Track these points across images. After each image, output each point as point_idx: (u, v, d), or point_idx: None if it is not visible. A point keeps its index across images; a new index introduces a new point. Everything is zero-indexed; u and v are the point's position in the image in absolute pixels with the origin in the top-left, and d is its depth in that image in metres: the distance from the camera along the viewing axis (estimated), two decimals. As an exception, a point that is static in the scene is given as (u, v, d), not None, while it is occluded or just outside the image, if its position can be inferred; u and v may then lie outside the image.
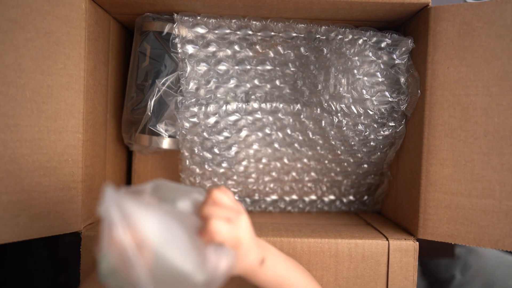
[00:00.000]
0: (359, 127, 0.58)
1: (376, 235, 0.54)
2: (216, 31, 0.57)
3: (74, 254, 0.83)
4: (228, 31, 0.58)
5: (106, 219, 0.28)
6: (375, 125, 0.58)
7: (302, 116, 0.62)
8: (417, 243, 0.52)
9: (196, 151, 0.61)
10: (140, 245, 0.29)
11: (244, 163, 0.64)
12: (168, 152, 0.70)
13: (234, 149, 0.63)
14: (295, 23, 0.57)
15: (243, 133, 0.63)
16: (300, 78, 0.61)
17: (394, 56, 0.56)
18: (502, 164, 0.48)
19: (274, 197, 0.68)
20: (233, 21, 0.57)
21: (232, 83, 0.60)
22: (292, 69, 0.61)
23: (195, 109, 0.59)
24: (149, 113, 0.58)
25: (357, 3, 0.52)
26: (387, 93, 0.56)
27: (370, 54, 0.56)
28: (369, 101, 0.56)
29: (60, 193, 0.49)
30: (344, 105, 0.57)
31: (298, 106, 0.62)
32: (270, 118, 0.63)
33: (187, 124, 0.59)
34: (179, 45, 0.56)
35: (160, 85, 0.57)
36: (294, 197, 0.69)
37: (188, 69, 0.57)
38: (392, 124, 0.58)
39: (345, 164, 0.65)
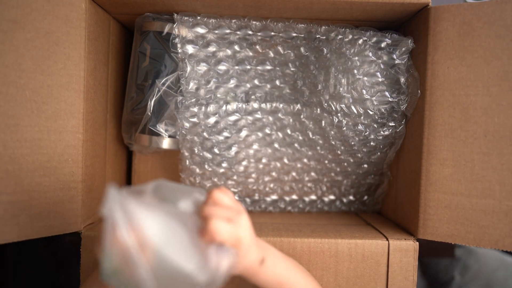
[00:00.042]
0: (359, 127, 0.58)
1: (376, 235, 0.54)
2: (216, 31, 0.57)
3: (74, 254, 0.83)
4: (228, 31, 0.58)
5: (109, 219, 0.28)
6: (375, 125, 0.58)
7: (302, 116, 0.62)
8: (417, 243, 0.52)
9: (196, 151, 0.61)
10: (142, 245, 0.29)
11: (244, 163, 0.64)
12: (168, 152, 0.70)
13: (234, 149, 0.63)
14: (295, 23, 0.57)
15: (243, 133, 0.63)
16: (300, 78, 0.61)
17: (394, 56, 0.56)
18: (502, 164, 0.48)
19: (274, 197, 0.68)
20: (233, 21, 0.57)
21: (232, 83, 0.60)
22: (292, 69, 0.61)
23: (195, 109, 0.59)
24: (149, 113, 0.58)
25: (357, 3, 0.52)
26: (387, 93, 0.56)
27: (370, 54, 0.56)
28: (369, 101, 0.56)
29: (60, 193, 0.49)
30: (344, 105, 0.57)
31: (298, 106, 0.62)
32: (270, 118, 0.63)
33: (187, 124, 0.59)
34: (179, 45, 0.56)
35: (160, 85, 0.57)
36: (294, 197, 0.69)
37: (188, 69, 0.57)
38: (392, 124, 0.58)
39: (345, 164, 0.65)
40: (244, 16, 0.58)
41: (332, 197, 0.69)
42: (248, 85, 0.61)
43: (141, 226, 0.29)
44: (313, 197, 0.69)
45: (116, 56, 0.64)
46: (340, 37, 0.57)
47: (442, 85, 0.52)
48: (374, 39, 0.56)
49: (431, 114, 0.53)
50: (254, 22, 0.57)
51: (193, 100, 0.58)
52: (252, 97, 0.62)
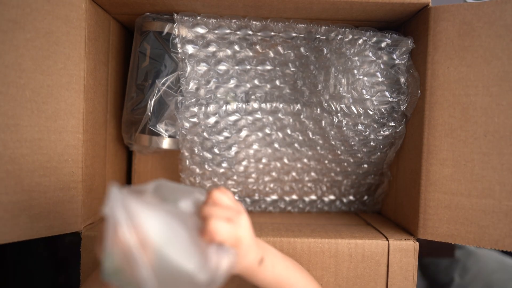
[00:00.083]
0: (359, 127, 0.58)
1: (376, 235, 0.54)
2: (216, 31, 0.57)
3: (74, 254, 0.83)
4: (228, 31, 0.58)
5: (111, 218, 0.28)
6: (375, 125, 0.58)
7: (302, 116, 0.62)
8: (417, 243, 0.52)
9: (196, 151, 0.61)
10: (143, 245, 0.29)
11: (244, 163, 0.64)
12: (168, 152, 0.70)
13: (234, 149, 0.63)
14: (295, 23, 0.57)
15: (243, 133, 0.63)
16: (300, 78, 0.61)
17: (394, 56, 0.56)
18: (502, 164, 0.48)
19: (274, 197, 0.68)
20: (233, 21, 0.57)
21: (232, 83, 0.60)
22: (292, 69, 0.61)
23: (195, 109, 0.59)
24: (149, 113, 0.58)
25: (357, 3, 0.52)
26: (387, 93, 0.56)
27: (370, 54, 0.56)
28: (369, 101, 0.56)
29: (60, 193, 0.49)
30: (344, 105, 0.57)
31: (298, 106, 0.62)
32: (270, 118, 0.63)
33: (187, 124, 0.59)
34: (179, 45, 0.56)
35: (160, 85, 0.57)
36: (294, 197, 0.69)
37: (188, 69, 0.57)
38: (392, 124, 0.58)
39: (345, 164, 0.65)
40: (244, 16, 0.58)
41: (332, 197, 0.69)
42: (248, 85, 0.61)
43: (142, 226, 0.29)
44: (313, 197, 0.69)
45: (116, 56, 0.64)
46: (340, 37, 0.57)
47: (442, 85, 0.52)
48: (374, 39, 0.56)
49: (431, 114, 0.53)
50: (254, 22, 0.57)
51: (193, 100, 0.58)
52: (252, 97, 0.62)
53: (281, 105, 0.62)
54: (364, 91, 0.56)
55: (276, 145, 0.64)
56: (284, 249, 0.52)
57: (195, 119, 0.59)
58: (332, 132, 0.61)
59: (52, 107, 0.47)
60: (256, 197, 0.68)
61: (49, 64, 0.47)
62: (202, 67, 0.58)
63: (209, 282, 0.32)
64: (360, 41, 0.56)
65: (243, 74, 0.61)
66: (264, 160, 0.65)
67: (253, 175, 0.66)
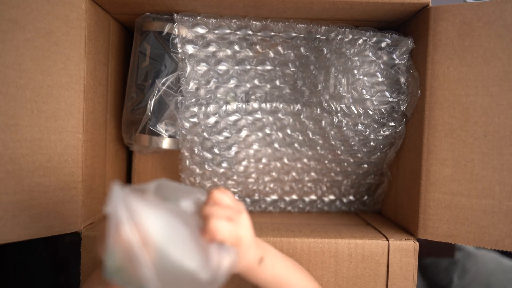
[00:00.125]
0: (359, 127, 0.58)
1: (376, 235, 0.54)
2: (216, 31, 0.57)
3: (74, 254, 0.83)
4: (228, 31, 0.58)
5: (113, 216, 0.28)
6: (375, 125, 0.58)
7: (302, 116, 0.62)
8: (417, 243, 0.52)
9: (196, 151, 0.61)
10: (145, 243, 0.29)
11: (244, 163, 0.64)
12: (168, 152, 0.70)
13: (234, 149, 0.63)
14: (295, 23, 0.57)
15: (243, 133, 0.63)
16: (300, 78, 0.61)
17: (394, 56, 0.56)
18: (502, 164, 0.48)
19: (274, 197, 0.68)
20: (233, 21, 0.57)
21: (232, 83, 0.60)
22: (292, 69, 0.61)
23: (195, 109, 0.59)
24: (149, 113, 0.58)
25: (357, 3, 0.52)
26: (387, 93, 0.56)
27: (370, 54, 0.56)
28: (369, 101, 0.56)
29: (60, 193, 0.49)
30: (344, 105, 0.57)
31: (298, 106, 0.62)
32: (270, 118, 0.63)
33: (187, 124, 0.59)
34: (179, 45, 0.56)
35: (160, 85, 0.57)
36: (294, 197, 0.69)
37: (188, 69, 0.57)
38: (392, 124, 0.58)
39: (345, 164, 0.65)
40: (244, 16, 0.58)
41: (332, 197, 0.69)
42: (248, 85, 0.61)
43: (144, 224, 0.29)
44: (313, 197, 0.69)
45: (116, 56, 0.64)
46: (340, 37, 0.57)
47: (442, 85, 0.52)
48: (374, 39, 0.56)
49: (431, 114, 0.53)
50: (254, 22, 0.57)
51: (193, 100, 0.58)
52: (252, 97, 0.62)
53: (281, 105, 0.62)
54: (364, 91, 0.56)
55: (276, 145, 0.64)
56: (284, 249, 0.52)
57: (195, 119, 0.59)
58: (332, 132, 0.61)
59: (52, 107, 0.47)
60: (256, 197, 0.68)
61: (49, 64, 0.47)
62: (202, 67, 0.58)
63: (210, 280, 0.32)
64: (360, 41, 0.56)
65: (243, 74, 0.61)
66: (264, 160, 0.65)
67: (253, 175, 0.66)
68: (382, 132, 0.58)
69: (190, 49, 0.57)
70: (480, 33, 0.49)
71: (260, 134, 0.63)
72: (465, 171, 0.50)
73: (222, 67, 0.59)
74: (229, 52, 0.59)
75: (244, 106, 0.61)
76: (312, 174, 0.67)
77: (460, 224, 0.51)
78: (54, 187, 0.48)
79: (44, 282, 0.84)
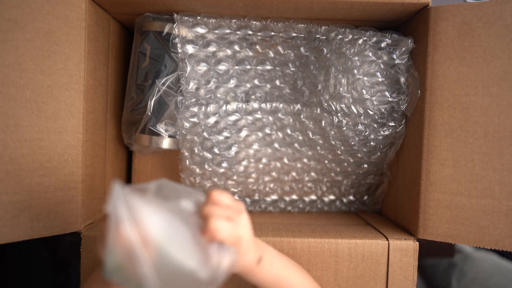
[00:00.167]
0: (359, 127, 0.58)
1: (376, 235, 0.54)
2: (216, 31, 0.57)
3: (74, 254, 0.83)
4: (228, 31, 0.58)
5: (113, 215, 0.28)
6: (375, 125, 0.58)
7: (302, 116, 0.62)
8: (417, 243, 0.52)
9: (196, 151, 0.61)
10: (145, 242, 0.29)
11: (244, 163, 0.64)
12: (168, 152, 0.70)
13: (234, 149, 0.63)
14: (295, 23, 0.57)
15: (243, 133, 0.63)
16: (300, 78, 0.61)
17: (394, 56, 0.56)
18: (502, 164, 0.48)
19: (274, 197, 0.68)
20: (233, 21, 0.57)
21: (232, 83, 0.60)
22: (292, 69, 0.61)
23: (195, 109, 0.59)
24: (149, 113, 0.58)
25: (357, 3, 0.52)
26: (387, 93, 0.56)
27: (370, 54, 0.56)
28: (369, 101, 0.56)
29: (60, 193, 0.49)
30: (344, 105, 0.57)
31: (298, 106, 0.62)
32: (270, 118, 0.63)
33: (187, 124, 0.59)
34: (179, 45, 0.56)
35: (160, 85, 0.57)
36: (294, 197, 0.69)
37: (188, 69, 0.57)
38: (392, 124, 0.58)
39: (345, 164, 0.65)
40: (244, 16, 0.58)
41: (332, 197, 0.69)
42: (248, 85, 0.61)
43: (144, 223, 0.29)
44: (313, 197, 0.69)
45: (116, 56, 0.64)
46: (340, 37, 0.57)
47: (442, 85, 0.52)
48: (374, 39, 0.56)
49: (431, 114, 0.53)
50: (254, 22, 0.57)
51: (193, 100, 0.58)
52: (252, 97, 0.62)
53: (281, 105, 0.62)
54: (364, 91, 0.56)
55: (276, 145, 0.64)
56: (284, 249, 0.52)
57: (195, 119, 0.59)
58: (332, 132, 0.61)
59: (52, 107, 0.47)
60: (256, 197, 0.68)
61: (49, 64, 0.47)
62: (202, 67, 0.58)
63: (210, 280, 0.32)
64: (360, 41, 0.56)
65: (243, 74, 0.61)
66: (264, 160, 0.65)
67: (253, 175, 0.66)
68: (382, 132, 0.58)
69: (190, 49, 0.57)
70: (480, 33, 0.49)
71: (260, 134, 0.63)
72: (465, 171, 0.50)
73: (222, 67, 0.59)
74: (229, 52, 0.59)
75: (244, 106, 0.61)
76: (312, 174, 0.67)
77: (460, 224, 0.51)
78: (54, 187, 0.48)
79: (44, 282, 0.84)
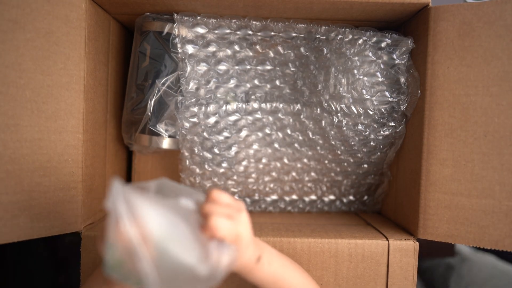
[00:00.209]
0: (359, 127, 0.58)
1: (376, 235, 0.54)
2: (216, 31, 0.57)
3: (74, 254, 0.83)
4: (228, 31, 0.58)
5: (113, 211, 0.28)
6: (375, 125, 0.58)
7: (302, 116, 0.62)
8: (417, 243, 0.52)
9: (196, 151, 0.61)
10: (144, 238, 0.29)
11: (244, 163, 0.64)
12: (168, 152, 0.70)
13: (234, 149, 0.63)
14: (295, 23, 0.57)
15: (243, 133, 0.63)
16: (300, 78, 0.61)
17: (394, 56, 0.56)
18: (502, 164, 0.48)
19: (274, 197, 0.68)
20: (233, 21, 0.57)
21: (232, 83, 0.60)
22: (292, 69, 0.61)
23: (195, 109, 0.59)
24: (149, 113, 0.58)
25: (357, 3, 0.52)
26: (387, 93, 0.56)
27: (370, 54, 0.56)
28: (369, 101, 0.56)
29: (60, 193, 0.49)
30: (344, 105, 0.57)
31: (298, 106, 0.62)
32: (270, 118, 0.63)
33: (187, 124, 0.59)
34: (179, 45, 0.56)
35: (160, 85, 0.57)
36: (294, 197, 0.69)
37: (188, 69, 0.57)
38: (392, 124, 0.58)
39: (345, 164, 0.65)
40: (244, 16, 0.58)
41: (332, 197, 0.69)
42: (248, 85, 0.61)
43: (144, 219, 0.29)
44: (313, 197, 0.69)
45: (116, 56, 0.64)
46: (340, 37, 0.57)
47: (442, 85, 0.52)
48: (374, 39, 0.56)
49: (431, 114, 0.53)
50: (254, 22, 0.57)
51: (193, 100, 0.58)
52: (252, 97, 0.62)
53: (281, 105, 0.62)
54: (364, 91, 0.56)
55: (276, 145, 0.64)
56: (284, 249, 0.52)
57: (195, 119, 0.59)
58: (332, 132, 0.61)
59: (52, 107, 0.47)
60: (256, 197, 0.68)
61: (49, 64, 0.47)
62: (202, 67, 0.58)
63: (209, 276, 0.32)
64: (360, 41, 0.56)
65: (243, 74, 0.61)
66: (264, 160, 0.65)
67: (253, 175, 0.66)
68: (382, 132, 0.58)
69: (190, 49, 0.57)
70: (480, 33, 0.49)
71: (260, 134, 0.63)
72: (465, 171, 0.50)
73: (222, 67, 0.59)
74: (229, 52, 0.59)
75: (244, 106, 0.61)
76: (312, 174, 0.67)
77: (460, 224, 0.51)
78: (54, 187, 0.48)
79: (44, 282, 0.84)
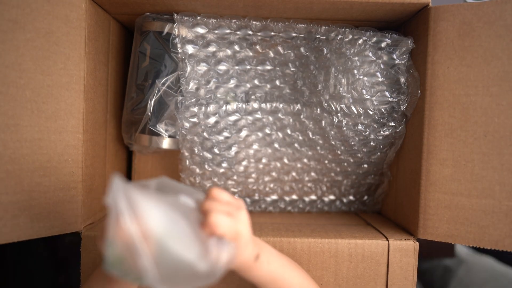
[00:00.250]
0: (359, 127, 0.58)
1: (376, 235, 0.54)
2: (216, 31, 0.57)
3: (74, 254, 0.83)
4: (228, 31, 0.58)
5: (113, 208, 0.28)
6: (375, 125, 0.58)
7: (302, 116, 0.62)
8: (417, 243, 0.52)
9: (196, 151, 0.61)
10: (145, 234, 0.29)
11: (244, 163, 0.64)
12: (168, 152, 0.70)
13: (234, 149, 0.63)
14: (295, 23, 0.57)
15: (243, 133, 0.63)
16: (300, 78, 0.61)
17: (394, 56, 0.56)
18: (502, 164, 0.48)
19: (274, 197, 0.68)
20: (233, 21, 0.57)
21: (232, 83, 0.60)
22: (292, 69, 0.61)
23: (195, 109, 0.59)
24: (149, 113, 0.58)
25: (357, 3, 0.52)
26: (387, 93, 0.56)
27: (370, 54, 0.56)
28: (369, 101, 0.56)
29: (60, 193, 0.49)
30: (344, 105, 0.57)
31: (298, 106, 0.62)
32: (270, 118, 0.63)
33: (187, 124, 0.59)
34: (179, 45, 0.56)
35: (160, 85, 0.57)
36: (294, 197, 0.69)
37: (188, 69, 0.57)
38: (392, 124, 0.58)
39: (345, 164, 0.65)
40: (244, 16, 0.58)
41: (332, 197, 0.69)
42: (248, 85, 0.61)
43: (145, 216, 0.29)
44: (313, 197, 0.69)
45: (116, 56, 0.64)
46: (340, 37, 0.57)
47: (442, 85, 0.52)
48: (374, 39, 0.56)
49: (431, 114, 0.53)
50: (254, 22, 0.57)
51: (193, 100, 0.58)
52: (252, 97, 0.62)
53: (281, 105, 0.62)
54: (364, 91, 0.56)
55: (276, 145, 0.64)
56: (284, 249, 0.52)
57: (195, 119, 0.59)
58: (332, 132, 0.61)
59: (52, 107, 0.47)
60: (256, 197, 0.68)
61: (49, 64, 0.47)
62: (202, 67, 0.58)
63: (209, 273, 0.32)
64: (360, 41, 0.56)
65: (243, 74, 0.61)
66: (264, 160, 0.65)
67: (253, 175, 0.66)
68: (382, 132, 0.58)
69: (190, 49, 0.57)
70: (480, 33, 0.49)
71: (260, 134, 0.63)
72: (465, 171, 0.50)
73: (222, 67, 0.59)
74: (229, 52, 0.59)
75: (244, 106, 0.61)
76: (312, 174, 0.67)
77: (460, 224, 0.51)
78: (54, 187, 0.48)
79: (44, 282, 0.84)
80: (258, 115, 0.62)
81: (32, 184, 0.46)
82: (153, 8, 0.57)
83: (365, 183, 0.68)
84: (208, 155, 0.62)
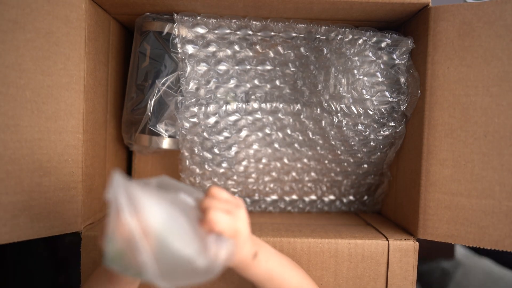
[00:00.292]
0: (359, 127, 0.58)
1: (376, 235, 0.54)
2: (216, 31, 0.57)
3: (74, 254, 0.83)
4: (228, 31, 0.58)
5: (114, 203, 0.29)
6: (375, 125, 0.58)
7: (302, 116, 0.62)
8: (417, 243, 0.52)
9: (196, 151, 0.61)
10: (144, 230, 0.29)
11: (244, 163, 0.64)
12: (168, 152, 0.70)
13: (234, 149, 0.63)
14: (295, 23, 0.57)
15: (243, 133, 0.63)
16: (300, 78, 0.61)
17: (394, 56, 0.56)
18: (502, 164, 0.48)
19: (274, 197, 0.68)
20: (233, 21, 0.57)
21: (232, 83, 0.60)
22: (292, 69, 0.61)
23: (195, 109, 0.59)
24: (149, 113, 0.58)
25: (357, 3, 0.52)
26: (387, 93, 0.56)
27: (370, 54, 0.56)
28: (369, 101, 0.56)
29: (60, 193, 0.49)
30: (344, 105, 0.57)
31: (298, 106, 0.62)
32: (270, 118, 0.63)
33: (187, 124, 0.59)
34: (179, 45, 0.56)
35: (160, 85, 0.57)
36: (294, 197, 0.69)
37: (188, 69, 0.57)
38: (392, 124, 0.58)
39: (345, 164, 0.65)
40: (244, 16, 0.58)
41: (332, 197, 0.69)
42: (248, 85, 0.61)
43: (145, 211, 0.29)
44: (313, 197, 0.69)
45: (116, 56, 0.64)
46: (340, 37, 0.57)
47: (442, 85, 0.52)
48: (374, 39, 0.56)
49: (431, 114, 0.53)
50: (254, 22, 0.57)
51: (193, 100, 0.58)
52: (252, 97, 0.62)
53: (281, 105, 0.62)
54: (364, 91, 0.56)
55: (276, 145, 0.64)
56: (284, 249, 0.52)
57: (195, 119, 0.59)
58: (332, 132, 0.61)
59: (52, 108, 0.47)
60: (256, 197, 0.68)
61: (49, 65, 0.47)
62: (202, 67, 0.58)
63: (207, 269, 0.33)
64: (360, 41, 0.56)
65: (243, 74, 0.61)
66: (264, 160, 0.65)
67: (253, 175, 0.66)
68: (382, 132, 0.58)
69: (190, 49, 0.57)
70: (480, 33, 0.49)
71: (260, 134, 0.63)
72: (465, 171, 0.50)
73: (222, 67, 0.59)
74: (229, 52, 0.59)
75: (244, 106, 0.61)
76: (312, 174, 0.67)
77: (460, 224, 0.51)
78: (54, 187, 0.48)
79: (44, 282, 0.84)
80: (258, 115, 0.62)
81: (32, 184, 0.46)
82: (153, 8, 0.57)
83: (365, 183, 0.68)
84: (208, 155, 0.62)
